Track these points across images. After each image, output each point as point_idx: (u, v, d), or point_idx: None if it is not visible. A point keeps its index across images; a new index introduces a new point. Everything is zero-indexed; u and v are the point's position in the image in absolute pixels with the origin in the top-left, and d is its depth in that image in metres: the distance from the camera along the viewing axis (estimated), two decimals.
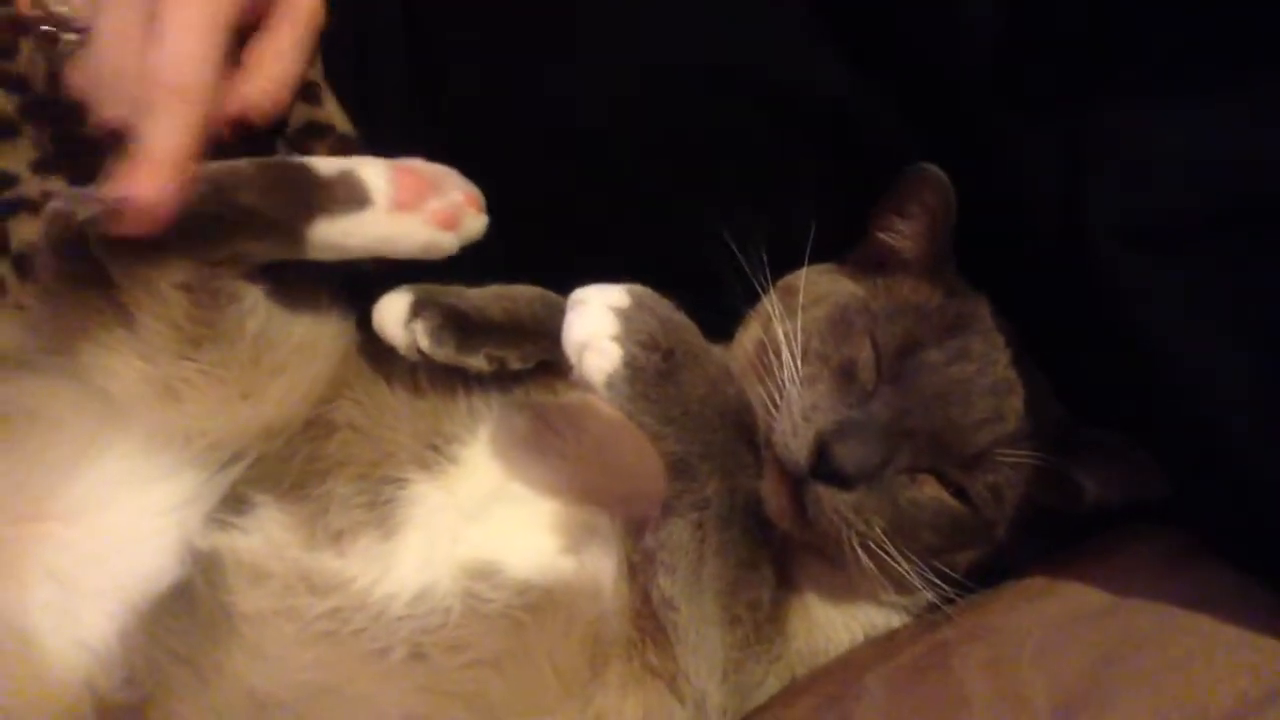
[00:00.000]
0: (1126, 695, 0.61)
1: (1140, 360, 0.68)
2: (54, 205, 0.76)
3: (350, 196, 0.76)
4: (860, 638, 0.79)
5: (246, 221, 0.74)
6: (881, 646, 0.76)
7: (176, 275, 0.75)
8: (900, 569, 0.73)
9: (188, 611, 0.73)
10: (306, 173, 0.76)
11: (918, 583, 0.74)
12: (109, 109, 0.74)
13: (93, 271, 0.74)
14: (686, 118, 0.83)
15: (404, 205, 0.77)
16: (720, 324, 0.85)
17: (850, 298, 0.83)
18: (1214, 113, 0.67)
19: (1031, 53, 0.74)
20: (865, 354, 0.78)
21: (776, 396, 0.76)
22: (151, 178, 0.71)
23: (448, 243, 0.79)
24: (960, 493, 0.76)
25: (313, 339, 0.81)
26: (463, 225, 0.79)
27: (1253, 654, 0.61)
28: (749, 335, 0.86)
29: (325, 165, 0.77)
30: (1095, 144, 0.71)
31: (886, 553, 0.73)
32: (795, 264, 0.86)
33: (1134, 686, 0.62)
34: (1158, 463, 0.72)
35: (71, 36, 0.76)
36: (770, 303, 0.83)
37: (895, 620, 0.79)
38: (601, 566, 0.75)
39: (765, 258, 0.82)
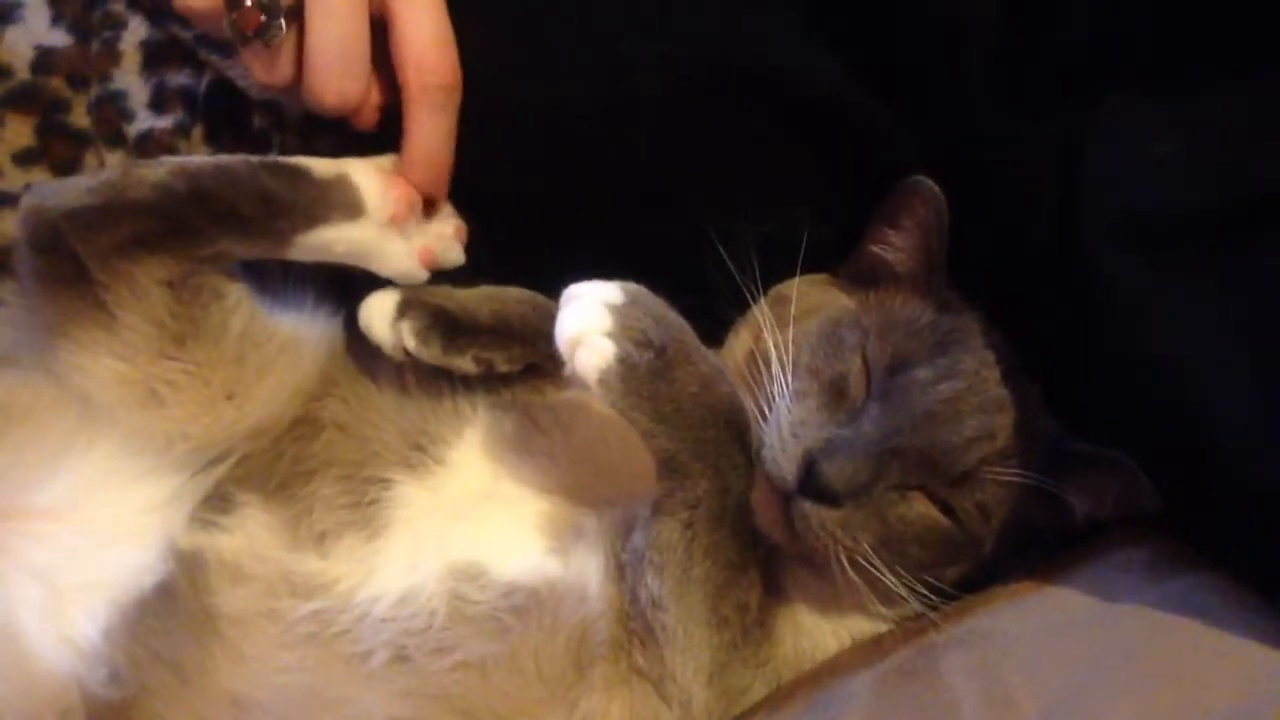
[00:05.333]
0: (1114, 700, 0.62)
1: (1134, 361, 0.69)
2: (28, 199, 0.74)
3: (344, 204, 0.75)
4: (848, 644, 0.78)
5: (235, 222, 0.73)
6: (869, 650, 0.75)
7: (159, 272, 0.73)
8: (887, 583, 0.73)
9: (170, 611, 0.72)
10: (301, 177, 0.75)
11: (905, 596, 0.73)
12: (334, 97, 0.75)
13: (71, 268, 0.72)
14: (684, 118, 0.83)
15: (398, 219, 0.77)
16: (711, 329, 0.85)
17: (842, 311, 0.83)
18: (1210, 113, 0.68)
19: (1030, 53, 0.75)
20: (856, 370, 0.77)
21: (766, 409, 0.75)
22: (433, 175, 0.76)
23: (419, 279, 0.79)
24: (948, 510, 0.76)
25: (299, 337, 0.79)
26: (440, 260, 0.80)
27: (1240, 659, 0.61)
28: (739, 344, 0.86)
29: (320, 169, 0.76)
30: (1092, 144, 0.71)
31: (874, 568, 0.72)
32: (788, 271, 0.85)
33: (1122, 692, 0.62)
34: (1152, 465, 0.72)
35: (280, 23, 0.73)
36: (761, 312, 0.82)
37: (883, 629, 0.78)
38: (588, 567, 0.74)
39: (757, 265, 0.82)
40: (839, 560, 0.72)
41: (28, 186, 0.80)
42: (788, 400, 0.75)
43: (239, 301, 0.76)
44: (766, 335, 0.79)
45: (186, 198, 0.72)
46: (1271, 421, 0.64)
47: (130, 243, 0.72)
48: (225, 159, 0.75)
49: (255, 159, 0.75)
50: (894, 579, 0.73)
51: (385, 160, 0.79)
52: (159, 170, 0.72)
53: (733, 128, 0.84)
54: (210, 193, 0.72)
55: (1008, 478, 0.76)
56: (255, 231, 0.73)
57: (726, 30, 0.82)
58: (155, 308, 0.74)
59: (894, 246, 0.84)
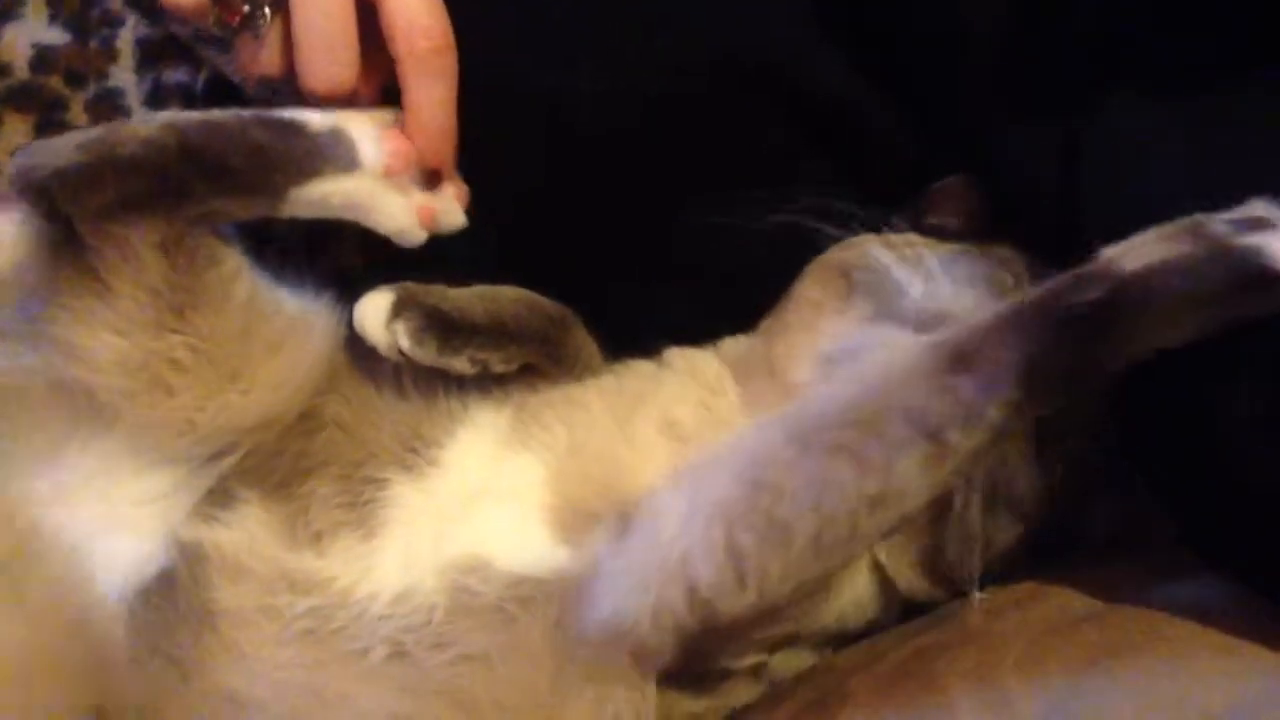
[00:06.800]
0: (1111, 701, 0.61)
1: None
2: (19, 159, 0.71)
3: (338, 157, 0.74)
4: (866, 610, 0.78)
5: (227, 177, 0.71)
6: (865, 651, 0.75)
7: (150, 234, 0.71)
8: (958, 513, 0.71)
9: (171, 604, 0.72)
10: (294, 130, 0.73)
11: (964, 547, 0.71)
12: (323, 85, 0.74)
13: (63, 233, 0.70)
14: (683, 114, 0.83)
15: (393, 172, 0.75)
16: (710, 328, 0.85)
17: None
18: (1211, 114, 0.67)
19: (1030, 53, 0.75)
20: None
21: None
22: (438, 143, 0.75)
23: (418, 239, 0.78)
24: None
25: (307, 318, 0.78)
26: (440, 220, 0.78)
27: (1237, 661, 0.61)
28: (821, 272, 0.83)
29: (315, 121, 0.74)
30: (1094, 143, 0.71)
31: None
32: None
33: (1119, 692, 0.61)
34: (1152, 467, 0.72)
35: (264, 13, 0.73)
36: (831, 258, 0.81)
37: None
38: (601, 552, 0.73)
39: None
40: None
41: None
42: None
43: (239, 270, 0.75)
44: (880, 250, 0.77)
45: (177, 152, 0.70)
46: (1274, 422, 0.63)
47: (119, 204, 0.69)
48: (216, 113, 0.73)
49: (247, 113, 0.73)
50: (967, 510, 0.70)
51: (385, 114, 0.77)
52: (150, 125, 0.71)
53: (733, 125, 0.84)
54: (201, 146, 0.70)
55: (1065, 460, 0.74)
56: (247, 186, 0.72)
57: (727, 26, 0.82)
58: (149, 273, 0.71)
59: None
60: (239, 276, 0.75)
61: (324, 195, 0.74)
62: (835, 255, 0.83)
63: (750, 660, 0.75)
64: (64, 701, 0.68)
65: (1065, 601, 0.70)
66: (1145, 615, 0.66)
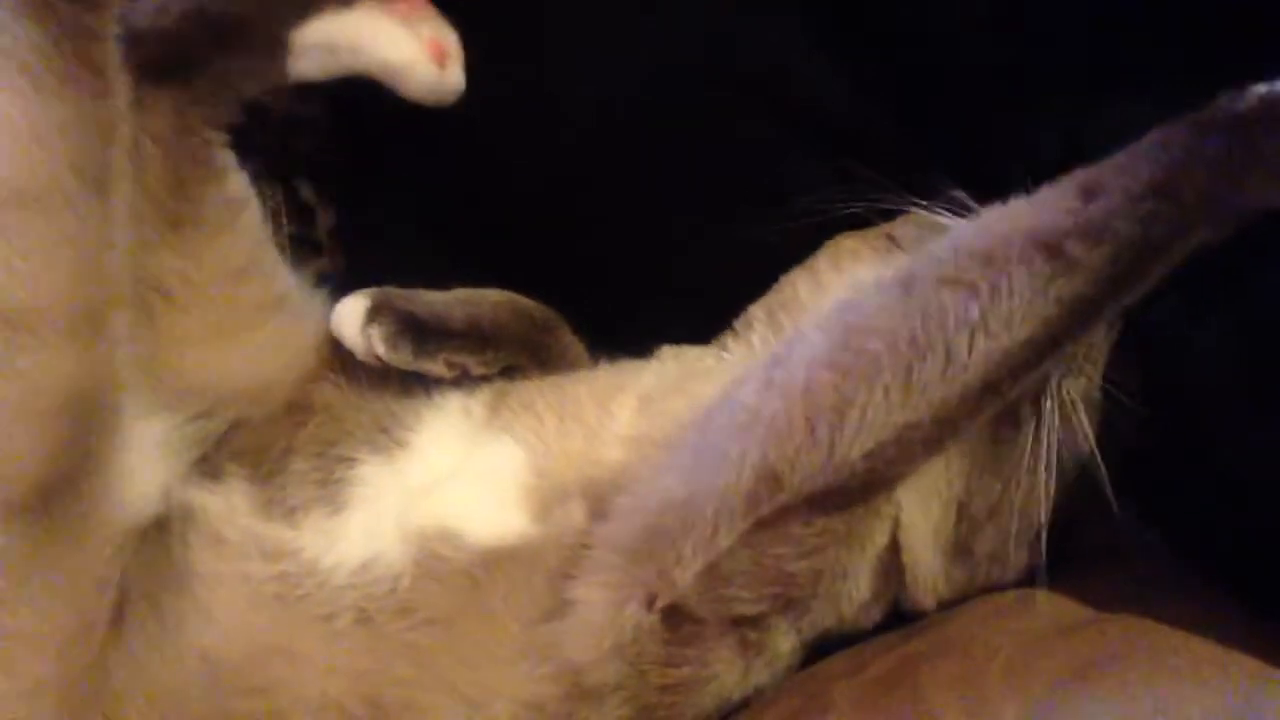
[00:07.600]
0: (1094, 711, 0.60)
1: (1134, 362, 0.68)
2: None
3: None
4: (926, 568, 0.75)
5: (230, 30, 0.72)
6: (851, 659, 0.74)
7: (153, 120, 0.71)
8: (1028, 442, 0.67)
9: (163, 551, 0.73)
10: None
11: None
12: None
13: None
14: (680, 119, 0.82)
15: (395, 13, 0.75)
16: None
17: None
18: None
19: (1030, 54, 0.74)
20: None
21: None
22: None
23: (429, 75, 0.75)
24: None
25: (301, 300, 0.79)
26: (450, 59, 0.76)
27: (1222, 671, 0.60)
28: (861, 232, 0.82)
29: None
30: (1095, 143, 0.70)
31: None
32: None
33: (1103, 702, 0.60)
34: (1146, 470, 0.71)
35: None
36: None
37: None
38: (571, 519, 0.72)
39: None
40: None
41: None
42: None
43: (246, 200, 0.76)
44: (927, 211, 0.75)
45: (179, 15, 0.71)
46: (1265, 431, 0.62)
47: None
48: None
49: None
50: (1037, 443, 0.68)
51: None
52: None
53: (728, 129, 0.84)
54: (204, 6, 0.71)
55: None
56: (250, 38, 0.72)
57: (724, 32, 0.82)
58: (148, 171, 0.71)
59: None
60: (246, 206, 0.75)
61: (328, 36, 0.73)
62: (876, 227, 0.82)
63: (761, 608, 0.71)
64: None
65: (1050, 612, 0.69)
66: (1128, 626, 0.65)
